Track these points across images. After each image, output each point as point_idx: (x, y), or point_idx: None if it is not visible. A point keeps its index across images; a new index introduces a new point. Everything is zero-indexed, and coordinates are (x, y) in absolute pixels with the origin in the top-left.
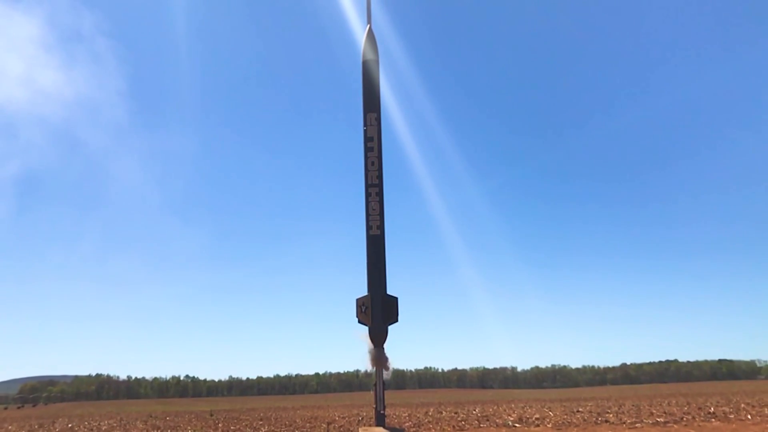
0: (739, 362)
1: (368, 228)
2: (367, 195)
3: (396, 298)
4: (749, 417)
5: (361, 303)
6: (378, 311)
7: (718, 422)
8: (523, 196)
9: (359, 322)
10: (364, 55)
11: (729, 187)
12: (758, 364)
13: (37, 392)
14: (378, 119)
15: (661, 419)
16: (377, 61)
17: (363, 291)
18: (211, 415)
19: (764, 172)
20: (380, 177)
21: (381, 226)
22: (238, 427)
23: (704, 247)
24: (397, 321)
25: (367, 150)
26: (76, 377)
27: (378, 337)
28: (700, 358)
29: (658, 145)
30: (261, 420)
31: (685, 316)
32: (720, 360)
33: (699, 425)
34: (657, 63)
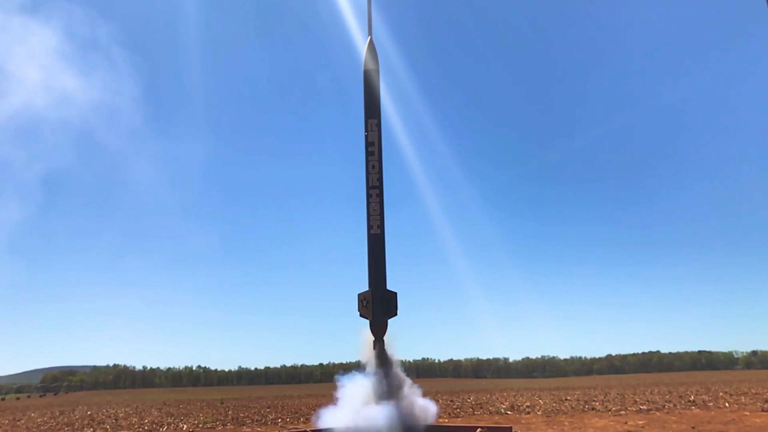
0: (718, 353)
1: (369, 227)
2: (368, 196)
3: (395, 293)
4: (727, 405)
5: (362, 298)
6: (378, 305)
7: (698, 410)
8: (515, 198)
9: (361, 315)
10: (365, 65)
11: (706, 188)
12: (735, 355)
13: (58, 381)
14: (378, 125)
15: (645, 407)
16: (378, 71)
17: (364, 286)
18: (222, 403)
19: (739, 172)
20: (380, 179)
21: (381, 226)
22: (247, 414)
23: (685, 246)
24: (396, 315)
25: (368, 154)
26: (95, 367)
27: (378, 330)
28: (681, 349)
29: (640, 151)
30: (269, 407)
31: (667, 310)
32: (700, 351)
33: (680, 412)
34: (640, 71)
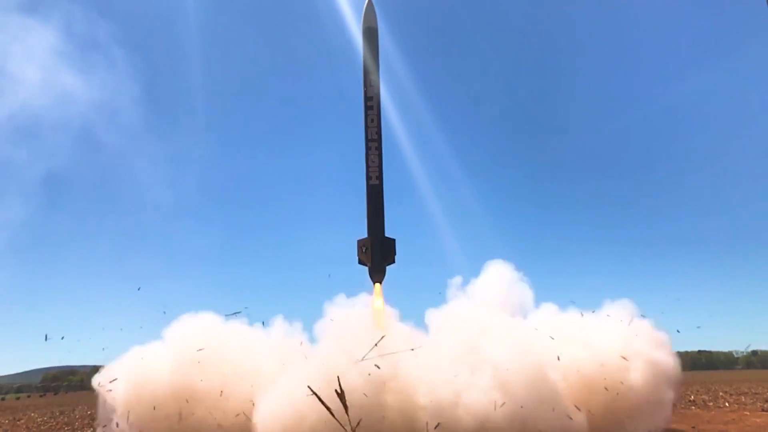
0: (718, 353)
1: (368, 178)
2: (367, 149)
3: (394, 240)
4: (727, 405)
5: (361, 244)
6: (377, 251)
7: (698, 410)
8: (515, 197)
9: (359, 262)
10: (364, 23)
11: (706, 187)
12: (735, 355)
13: (59, 381)
14: (377, 81)
15: None
16: (376, 30)
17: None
18: None
19: (740, 171)
20: (379, 132)
21: (380, 176)
22: None
23: (685, 245)
24: (394, 262)
25: (367, 108)
26: (95, 367)
27: (377, 276)
28: (681, 349)
29: (638, 150)
30: None
31: (666, 310)
32: (699, 351)
33: (680, 412)
34: (640, 70)
